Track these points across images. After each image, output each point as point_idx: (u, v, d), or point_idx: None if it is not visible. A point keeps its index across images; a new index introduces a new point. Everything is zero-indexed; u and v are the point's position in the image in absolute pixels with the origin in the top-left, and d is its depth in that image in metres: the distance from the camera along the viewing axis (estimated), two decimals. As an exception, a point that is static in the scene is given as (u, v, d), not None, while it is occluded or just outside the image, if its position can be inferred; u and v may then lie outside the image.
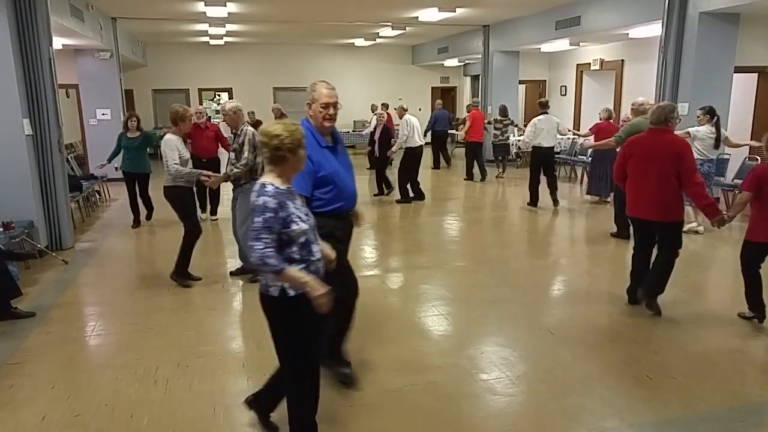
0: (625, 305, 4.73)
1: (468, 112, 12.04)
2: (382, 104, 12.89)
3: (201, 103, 16.90)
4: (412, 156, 9.33)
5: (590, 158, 9.58)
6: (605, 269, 5.97)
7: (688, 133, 6.82)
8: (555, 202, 8.75)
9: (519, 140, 12.70)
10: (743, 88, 9.03)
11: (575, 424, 3.03)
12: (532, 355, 3.86)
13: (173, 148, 5.04)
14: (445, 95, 18.58)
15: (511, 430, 3.00)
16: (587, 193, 9.36)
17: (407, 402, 3.26)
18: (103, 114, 11.44)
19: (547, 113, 8.75)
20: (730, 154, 8.22)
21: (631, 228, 5.17)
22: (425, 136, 11.31)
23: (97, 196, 9.64)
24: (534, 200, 8.85)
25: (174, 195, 5.15)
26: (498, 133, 11.86)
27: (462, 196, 10.24)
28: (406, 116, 9.39)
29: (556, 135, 8.84)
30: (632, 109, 6.62)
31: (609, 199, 8.61)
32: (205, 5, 10.25)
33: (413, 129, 9.22)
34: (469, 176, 11.70)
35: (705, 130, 6.86)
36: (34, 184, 6.32)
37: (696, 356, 3.80)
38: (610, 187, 8.27)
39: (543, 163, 8.74)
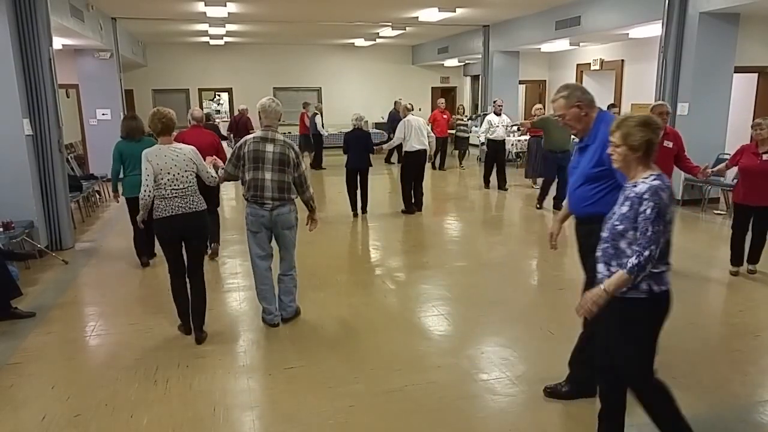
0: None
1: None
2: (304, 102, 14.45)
3: (201, 103, 16.90)
4: (408, 163, 8.48)
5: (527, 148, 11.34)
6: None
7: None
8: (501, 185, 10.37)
9: (519, 140, 12.70)
10: (743, 88, 9.03)
11: (575, 424, 3.03)
12: (532, 355, 3.87)
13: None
14: (445, 95, 18.58)
15: (510, 430, 3.00)
16: (525, 177, 11.04)
17: (407, 402, 3.26)
18: (103, 114, 11.45)
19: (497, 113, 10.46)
20: (729, 154, 8.20)
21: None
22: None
23: (97, 196, 9.64)
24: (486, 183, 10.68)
25: None
26: (463, 128, 13.61)
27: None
28: (408, 117, 8.50)
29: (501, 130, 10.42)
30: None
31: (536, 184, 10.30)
32: (205, 5, 10.25)
33: (411, 132, 8.26)
34: (437, 167, 13.21)
35: None
36: (34, 184, 6.32)
37: (696, 356, 3.80)
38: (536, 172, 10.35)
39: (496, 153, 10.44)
